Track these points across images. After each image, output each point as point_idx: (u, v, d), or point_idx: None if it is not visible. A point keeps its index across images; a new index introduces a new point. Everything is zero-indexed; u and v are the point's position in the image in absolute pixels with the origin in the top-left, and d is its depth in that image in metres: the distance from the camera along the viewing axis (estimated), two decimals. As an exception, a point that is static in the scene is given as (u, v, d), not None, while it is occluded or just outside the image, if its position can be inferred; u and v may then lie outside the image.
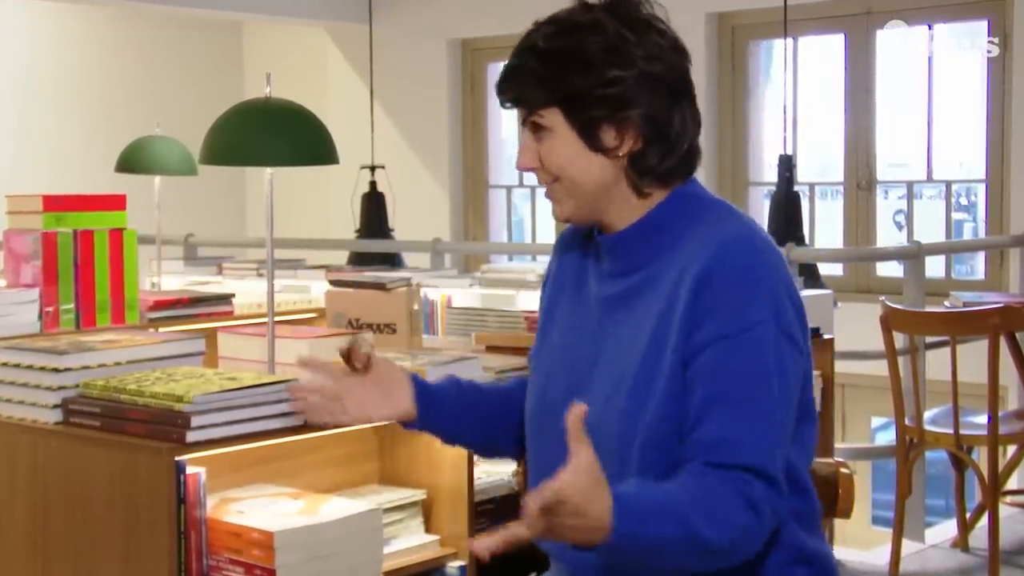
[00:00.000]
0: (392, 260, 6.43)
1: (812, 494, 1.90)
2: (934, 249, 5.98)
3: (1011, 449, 4.87)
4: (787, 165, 5.90)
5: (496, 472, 3.23)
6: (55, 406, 2.71)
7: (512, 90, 1.86)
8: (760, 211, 7.50)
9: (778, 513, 1.76)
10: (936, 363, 4.95)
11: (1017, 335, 5.00)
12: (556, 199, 1.90)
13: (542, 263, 5.19)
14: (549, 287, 2.03)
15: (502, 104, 1.89)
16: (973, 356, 4.73)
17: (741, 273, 1.76)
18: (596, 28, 1.81)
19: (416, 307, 3.74)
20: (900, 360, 4.45)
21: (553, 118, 1.83)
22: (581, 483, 1.56)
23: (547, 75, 1.81)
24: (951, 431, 4.34)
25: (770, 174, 7.66)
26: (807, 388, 1.86)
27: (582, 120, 1.82)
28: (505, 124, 9.15)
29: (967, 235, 7.82)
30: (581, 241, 1.99)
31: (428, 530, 3.11)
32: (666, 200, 1.86)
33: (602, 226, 1.92)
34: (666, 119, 1.83)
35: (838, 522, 3.40)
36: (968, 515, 4.86)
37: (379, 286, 3.86)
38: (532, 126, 1.86)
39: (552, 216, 1.94)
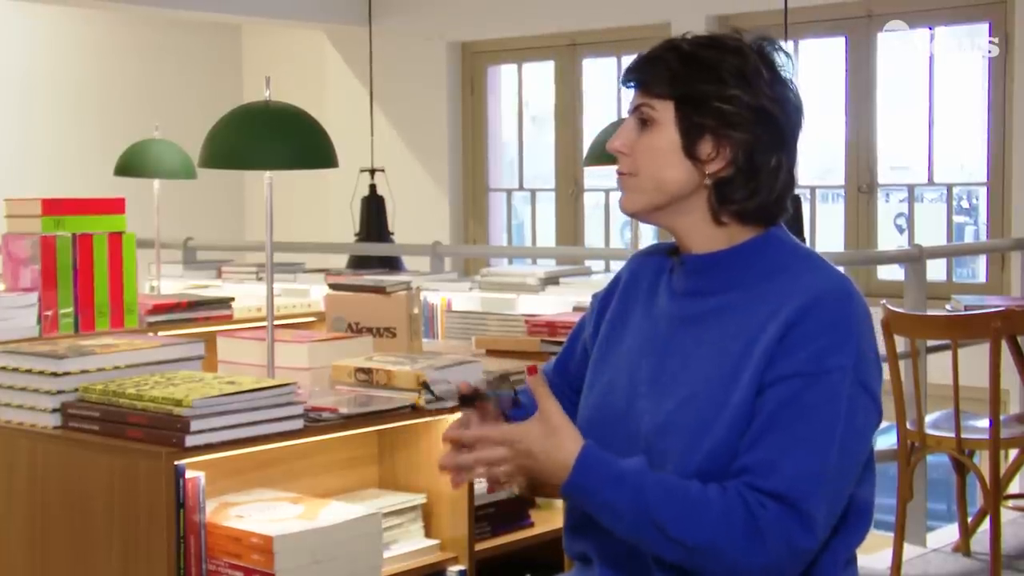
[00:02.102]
0: (392, 264, 6.42)
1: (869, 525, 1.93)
2: (935, 252, 5.96)
3: (1013, 453, 4.86)
4: (788, 168, 5.88)
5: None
6: (54, 410, 2.70)
7: (643, 72, 1.92)
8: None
9: (800, 550, 1.76)
10: (937, 367, 4.93)
11: (1019, 338, 4.98)
12: (629, 189, 1.94)
13: (543, 266, 5.18)
14: (617, 299, 2.05)
15: (625, 83, 1.95)
16: (974, 360, 4.72)
17: (832, 321, 1.81)
18: (738, 53, 1.90)
19: (416, 311, 3.73)
20: (901, 364, 4.44)
21: (664, 112, 1.89)
22: (534, 431, 1.81)
23: (678, 71, 1.88)
24: (953, 435, 4.33)
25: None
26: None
27: (690, 122, 1.88)
28: (505, 127, 9.15)
29: (968, 238, 7.82)
30: (658, 259, 2.03)
31: (428, 534, 3.10)
32: (759, 237, 1.92)
33: (677, 241, 1.97)
34: (763, 157, 1.88)
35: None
36: (970, 519, 4.84)
37: (379, 290, 3.86)
38: (640, 116, 1.92)
39: (619, 207, 1.99)
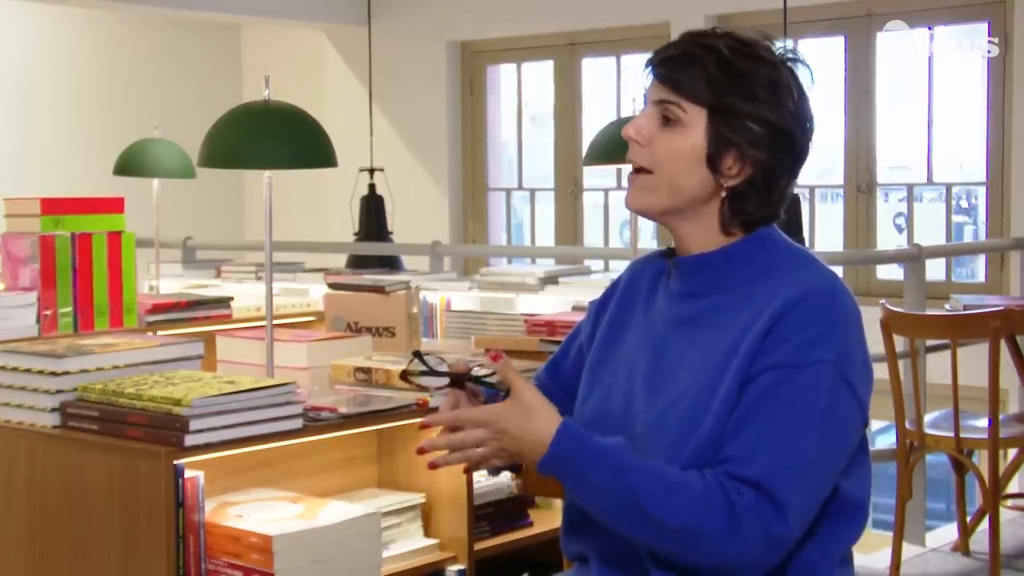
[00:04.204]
0: (391, 263, 6.42)
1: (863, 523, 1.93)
2: (934, 252, 5.95)
3: (1012, 452, 4.86)
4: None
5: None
6: (53, 410, 2.70)
7: (676, 69, 1.89)
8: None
9: (775, 538, 1.76)
10: (936, 366, 4.94)
11: (1018, 338, 4.98)
12: (642, 187, 1.93)
13: (542, 266, 5.18)
14: (615, 303, 2.06)
15: (654, 72, 1.92)
16: (974, 359, 4.72)
17: (817, 316, 1.82)
18: (774, 70, 1.88)
19: (415, 310, 3.73)
20: (900, 363, 4.44)
21: (695, 117, 1.88)
22: (509, 411, 1.82)
23: (719, 81, 1.86)
24: (952, 434, 4.33)
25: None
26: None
27: (720, 135, 1.87)
28: (504, 127, 9.15)
29: (967, 238, 7.82)
30: (656, 263, 2.04)
31: (427, 534, 3.10)
32: (752, 237, 1.93)
33: (676, 242, 1.97)
34: (778, 177, 1.91)
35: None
36: (969, 519, 4.84)
37: (378, 289, 3.86)
38: (665, 112, 1.89)
39: (624, 203, 1.98)
